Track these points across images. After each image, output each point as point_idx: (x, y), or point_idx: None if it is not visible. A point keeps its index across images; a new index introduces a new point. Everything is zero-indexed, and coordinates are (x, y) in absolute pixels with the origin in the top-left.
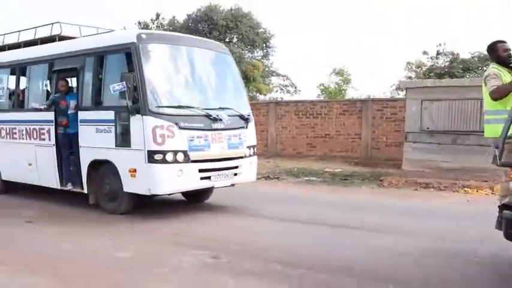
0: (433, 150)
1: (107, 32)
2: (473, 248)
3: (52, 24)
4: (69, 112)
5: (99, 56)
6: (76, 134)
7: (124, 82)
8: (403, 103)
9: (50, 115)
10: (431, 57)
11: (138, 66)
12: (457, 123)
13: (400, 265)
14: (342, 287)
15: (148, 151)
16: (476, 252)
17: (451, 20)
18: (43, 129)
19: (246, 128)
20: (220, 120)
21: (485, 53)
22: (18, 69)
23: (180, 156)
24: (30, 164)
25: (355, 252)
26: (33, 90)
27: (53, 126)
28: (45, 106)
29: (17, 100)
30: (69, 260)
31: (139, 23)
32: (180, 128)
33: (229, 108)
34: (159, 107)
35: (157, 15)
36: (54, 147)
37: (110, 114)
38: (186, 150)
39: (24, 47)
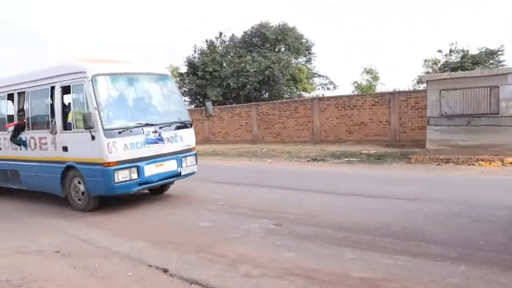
0: (451, 131)
1: None
2: (490, 211)
3: None
4: None
5: None
6: None
7: None
8: (424, 93)
9: None
10: (445, 55)
11: None
12: (470, 108)
13: (429, 226)
14: (380, 244)
15: None
16: (493, 213)
17: (461, 19)
18: None
19: None
20: None
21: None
22: None
23: None
24: None
25: (390, 217)
26: None
27: None
28: None
29: None
30: (164, 230)
31: (206, 40)
32: None
33: None
34: None
35: (220, 34)
36: None
37: None
38: None
39: None
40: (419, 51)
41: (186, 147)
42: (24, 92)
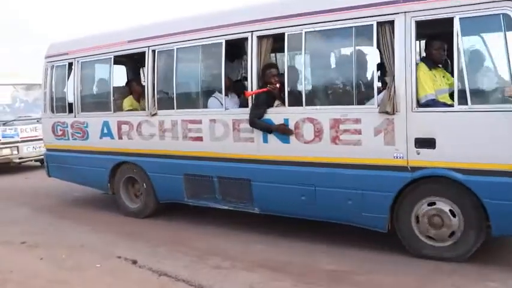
0: None
1: None
2: None
3: None
4: None
5: None
6: None
7: None
8: None
9: None
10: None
11: None
12: None
13: None
14: (348, 238)
15: None
16: None
17: None
18: None
19: None
20: None
21: None
22: None
23: None
24: None
25: None
26: None
27: None
28: None
29: None
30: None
31: None
32: None
33: None
34: None
35: None
36: None
37: None
38: None
39: None
40: None
41: None
42: (283, 35)
